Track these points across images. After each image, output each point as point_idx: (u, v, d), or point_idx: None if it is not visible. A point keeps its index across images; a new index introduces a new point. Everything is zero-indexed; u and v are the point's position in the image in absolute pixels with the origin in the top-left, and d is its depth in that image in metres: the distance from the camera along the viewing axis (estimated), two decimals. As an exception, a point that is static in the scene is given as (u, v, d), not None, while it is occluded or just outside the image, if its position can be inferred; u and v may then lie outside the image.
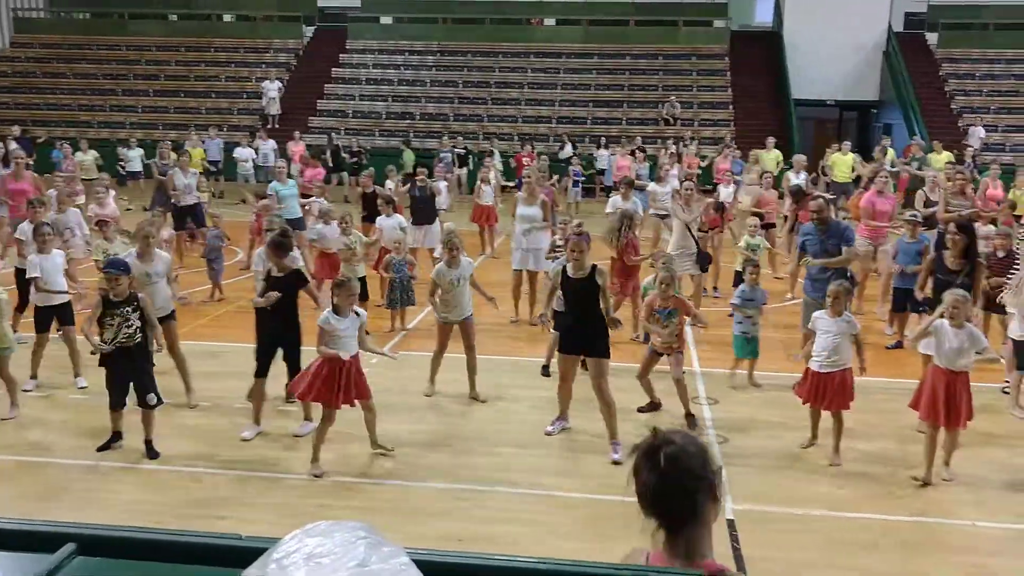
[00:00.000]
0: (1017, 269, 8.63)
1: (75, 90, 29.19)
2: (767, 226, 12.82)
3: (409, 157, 21.89)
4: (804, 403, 7.17)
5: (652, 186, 14.43)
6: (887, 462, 7.10)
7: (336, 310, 6.62)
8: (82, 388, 8.39)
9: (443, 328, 8.28)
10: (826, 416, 7.11)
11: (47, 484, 6.63)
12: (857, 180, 17.52)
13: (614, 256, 10.14)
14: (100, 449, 6.98)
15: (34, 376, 8.46)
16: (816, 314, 7.17)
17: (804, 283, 8.78)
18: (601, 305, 7.08)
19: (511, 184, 19.64)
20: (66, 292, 8.46)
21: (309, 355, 7.63)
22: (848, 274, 8.71)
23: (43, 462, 6.96)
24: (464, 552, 1.44)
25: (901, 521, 6.19)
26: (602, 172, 22.61)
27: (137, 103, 28.71)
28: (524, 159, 19.84)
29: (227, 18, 31.99)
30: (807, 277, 8.68)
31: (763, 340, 9.10)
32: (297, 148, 20.93)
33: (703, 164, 20.39)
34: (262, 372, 7.38)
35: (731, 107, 27.02)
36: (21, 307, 9.44)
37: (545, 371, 8.97)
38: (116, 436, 7.06)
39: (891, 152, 19.37)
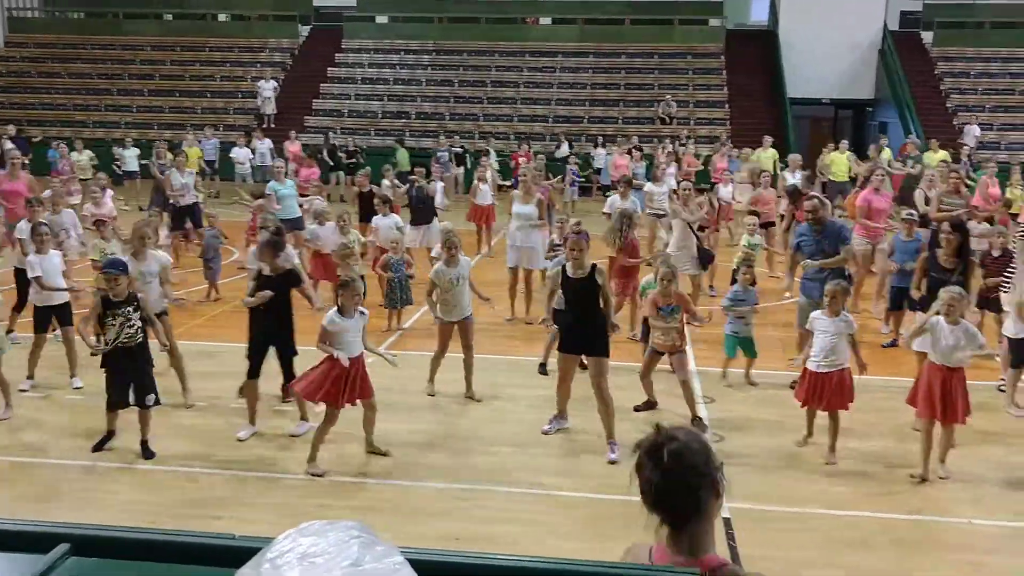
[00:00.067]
0: (1013, 268, 8.64)
1: (70, 90, 29.12)
2: (765, 225, 12.83)
3: (403, 156, 21.87)
4: (803, 406, 7.16)
5: (649, 186, 14.43)
6: (884, 460, 7.10)
7: (341, 310, 6.62)
8: (78, 388, 8.38)
9: (444, 328, 8.27)
10: (823, 414, 7.11)
11: (44, 485, 6.61)
12: (854, 179, 17.55)
13: (613, 256, 10.14)
14: (95, 449, 6.97)
15: (31, 376, 8.44)
16: (814, 314, 7.16)
17: (800, 283, 8.78)
18: (601, 305, 7.08)
19: (507, 183, 19.64)
20: (67, 290, 8.45)
21: (307, 355, 7.62)
22: (846, 273, 8.71)
23: (39, 463, 6.95)
24: (459, 551, 1.43)
25: (898, 519, 6.20)
26: (599, 171, 22.61)
27: (132, 103, 28.65)
28: (521, 158, 19.82)
29: (222, 17, 31.93)
30: (803, 277, 8.68)
31: (761, 339, 9.10)
32: (293, 148, 20.91)
33: (702, 165, 20.40)
34: (254, 373, 7.36)
35: (727, 106, 27.03)
36: (19, 307, 9.44)
37: (543, 369, 8.97)
38: (110, 435, 7.04)
39: (887, 152, 19.39)
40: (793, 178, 14.79)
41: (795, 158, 15.89)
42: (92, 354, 7.47)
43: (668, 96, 26.62)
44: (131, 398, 6.87)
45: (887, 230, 11.45)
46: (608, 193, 16.27)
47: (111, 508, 6.11)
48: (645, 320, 8.39)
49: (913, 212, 10.38)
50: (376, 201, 11.97)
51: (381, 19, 30.84)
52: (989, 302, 9.16)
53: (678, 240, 10.85)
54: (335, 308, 6.69)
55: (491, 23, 30.12)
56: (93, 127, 26.96)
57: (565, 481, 6.70)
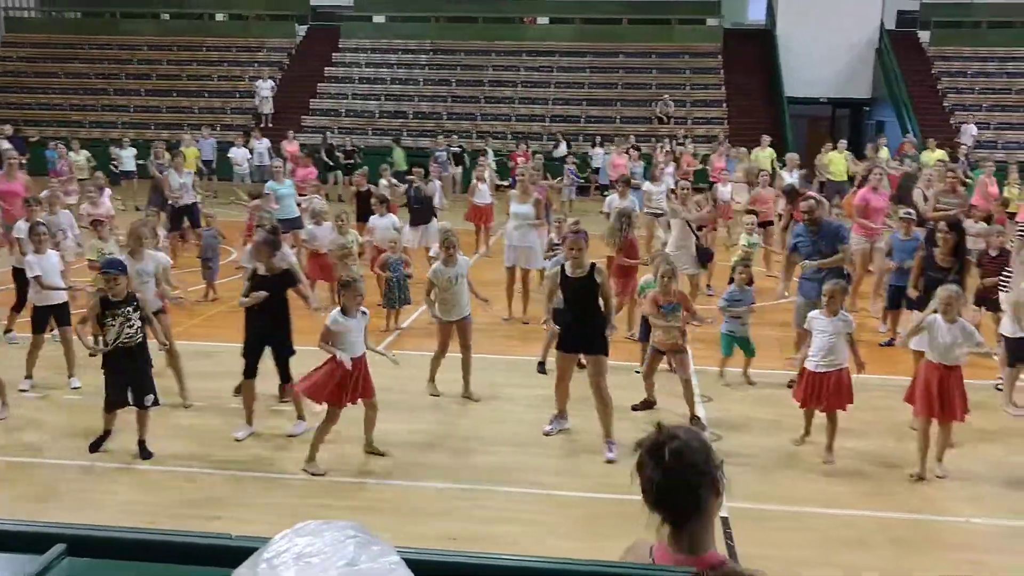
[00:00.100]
0: (1012, 267, 8.65)
1: (67, 90, 29.09)
2: (763, 224, 12.83)
3: (399, 155, 21.86)
4: (801, 406, 7.16)
5: (647, 185, 14.44)
6: (881, 460, 7.11)
7: (344, 310, 6.62)
8: (76, 388, 8.37)
9: (444, 329, 8.26)
10: (820, 413, 7.11)
11: (42, 485, 6.61)
12: (852, 178, 17.56)
13: (611, 256, 10.14)
14: (92, 449, 6.95)
15: (29, 376, 8.43)
16: (812, 314, 7.16)
17: (798, 283, 8.79)
18: (601, 304, 7.08)
19: (505, 183, 19.64)
20: (65, 289, 8.45)
21: (303, 355, 7.62)
22: (844, 273, 8.71)
23: (38, 463, 6.94)
24: (456, 551, 1.43)
25: (896, 518, 6.20)
26: (597, 171, 22.62)
27: (129, 102, 28.62)
28: (519, 158, 19.82)
29: (219, 17, 31.90)
30: (801, 277, 8.69)
31: (759, 338, 9.10)
32: (291, 147, 20.89)
33: (700, 164, 20.41)
34: (251, 373, 7.35)
35: (724, 105, 27.04)
36: (18, 307, 9.43)
37: (541, 368, 8.97)
38: (106, 435, 7.03)
39: (885, 151, 19.41)
40: (791, 177, 14.79)
41: (792, 157, 15.90)
42: (91, 355, 7.46)
43: (666, 96, 26.63)
44: (129, 398, 6.86)
45: (884, 229, 11.46)
46: (606, 193, 16.27)
47: (109, 509, 6.10)
48: (644, 320, 8.39)
49: (911, 211, 10.39)
50: (373, 201, 11.95)
51: (378, 19, 30.83)
52: (988, 301, 9.17)
53: (677, 239, 10.85)
54: (338, 308, 6.69)
55: (488, 23, 30.11)
56: (90, 127, 26.93)
57: (565, 481, 6.70)
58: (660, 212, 13.40)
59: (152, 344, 7.24)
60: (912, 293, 8.65)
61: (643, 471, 2.18)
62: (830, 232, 8.60)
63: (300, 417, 7.47)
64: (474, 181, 15.18)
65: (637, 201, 12.79)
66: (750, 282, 8.99)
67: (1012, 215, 13.38)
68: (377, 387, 6.95)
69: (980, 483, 6.74)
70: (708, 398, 8.37)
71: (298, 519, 1.27)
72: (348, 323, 6.59)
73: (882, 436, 7.54)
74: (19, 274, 9.11)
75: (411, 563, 1.20)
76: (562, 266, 7.16)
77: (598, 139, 23.69)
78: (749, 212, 12.57)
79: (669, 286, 7.58)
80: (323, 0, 31.04)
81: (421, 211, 12.89)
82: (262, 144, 22.38)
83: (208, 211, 13.56)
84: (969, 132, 23.51)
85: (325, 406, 6.78)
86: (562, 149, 22.97)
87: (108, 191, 13.18)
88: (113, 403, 6.86)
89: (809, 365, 6.98)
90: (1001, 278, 8.79)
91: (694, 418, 7.54)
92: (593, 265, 7.07)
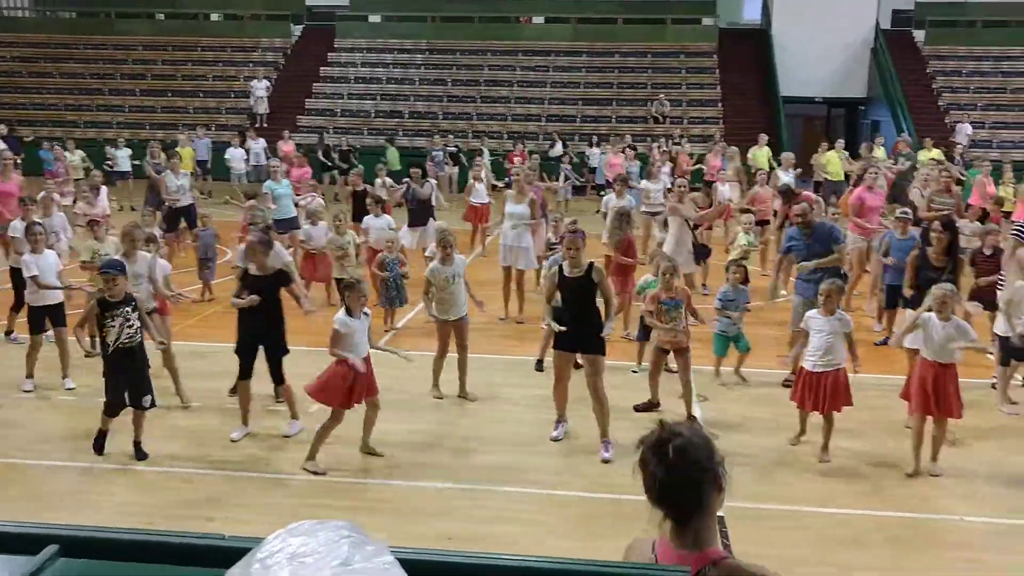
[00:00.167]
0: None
1: (61, 89, 29.03)
2: (759, 223, 12.84)
3: (393, 155, 21.85)
4: (798, 407, 7.16)
5: (644, 183, 14.47)
6: (877, 459, 7.12)
7: (348, 311, 6.62)
8: (70, 389, 8.35)
9: (442, 329, 8.25)
10: (816, 413, 7.11)
11: (38, 487, 6.60)
12: (848, 177, 17.59)
13: (610, 255, 10.13)
14: (98, 451, 6.86)
15: (31, 376, 8.43)
16: (809, 313, 7.16)
17: (795, 283, 8.79)
18: (599, 303, 7.08)
19: (500, 184, 19.63)
20: (62, 288, 8.43)
21: (297, 355, 7.61)
22: (840, 272, 8.71)
23: (34, 464, 6.92)
24: (452, 551, 1.43)
25: (891, 517, 6.21)
26: (593, 171, 22.63)
27: (124, 103, 28.57)
28: (516, 158, 19.83)
29: (214, 17, 31.86)
30: (798, 278, 8.69)
31: (755, 337, 9.11)
32: (287, 147, 20.87)
33: (697, 164, 20.42)
34: (246, 374, 7.34)
35: (720, 105, 27.07)
36: (17, 307, 9.40)
37: (539, 366, 8.97)
38: (103, 434, 7.00)
39: (881, 151, 19.44)
40: (787, 177, 14.81)
41: (788, 156, 15.92)
42: (86, 355, 7.43)
43: (661, 95, 26.65)
44: (126, 398, 6.84)
45: (880, 228, 11.46)
46: (602, 192, 16.28)
47: (106, 510, 6.09)
48: (643, 319, 8.38)
49: (908, 211, 10.40)
50: (368, 201, 11.94)
51: (374, 18, 30.81)
52: (984, 300, 9.17)
53: (675, 237, 10.85)
54: (343, 310, 6.68)
55: (484, 22, 30.11)
56: (85, 127, 26.88)
57: (563, 481, 6.71)
58: (657, 211, 13.41)
59: (148, 344, 7.22)
60: (906, 292, 8.66)
61: (646, 468, 2.21)
62: (823, 233, 8.61)
63: (294, 417, 7.46)
64: (471, 181, 15.18)
65: (634, 200, 12.79)
66: (745, 281, 8.98)
67: (1007, 214, 13.40)
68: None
69: (976, 482, 6.75)
70: (704, 398, 8.37)
71: (296, 519, 1.26)
72: (354, 324, 6.61)
73: (878, 435, 7.55)
74: (16, 274, 9.09)
75: (406, 563, 1.20)
76: (560, 266, 7.16)
77: (594, 139, 23.71)
78: (746, 211, 12.58)
79: (671, 282, 7.57)
80: (318, 0, 31.02)
81: (419, 212, 12.88)
82: (258, 144, 22.35)
83: (204, 211, 13.54)
84: (964, 131, 23.55)
85: (319, 406, 6.77)
86: (558, 148, 22.97)
87: (105, 189, 13.16)
88: (115, 406, 6.82)
89: (806, 365, 6.98)
90: (1000, 276, 8.80)
91: (690, 418, 7.54)
92: (591, 264, 7.07)
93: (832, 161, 18.75)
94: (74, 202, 13.47)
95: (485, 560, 1.40)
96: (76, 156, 19.12)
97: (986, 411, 8.03)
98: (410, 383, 8.32)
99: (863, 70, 28.15)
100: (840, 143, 19.53)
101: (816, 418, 7.13)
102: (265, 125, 26.01)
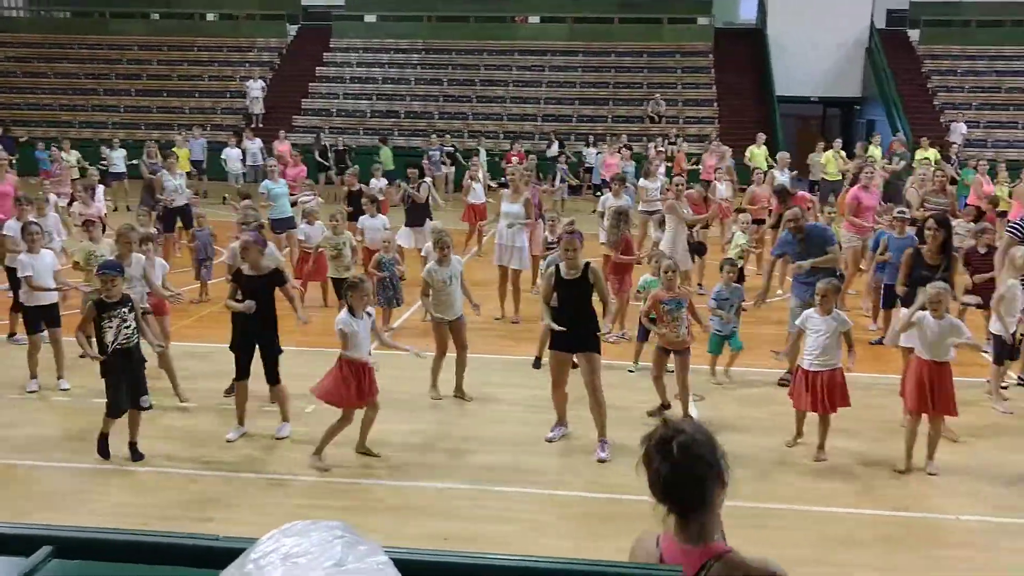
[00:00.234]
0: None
1: (56, 90, 28.98)
2: (756, 221, 12.85)
3: (387, 155, 21.82)
4: (796, 407, 7.16)
5: (642, 182, 14.49)
6: (873, 458, 7.12)
7: (352, 311, 6.63)
8: (64, 390, 8.33)
9: (440, 330, 8.23)
10: (811, 412, 7.12)
11: (34, 487, 6.58)
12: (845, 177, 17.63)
13: (608, 255, 10.13)
14: (104, 455, 6.83)
15: (34, 376, 8.41)
16: (806, 313, 7.16)
17: (792, 284, 8.79)
18: (594, 303, 7.08)
19: (496, 184, 19.63)
20: (56, 289, 8.41)
21: (291, 355, 7.60)
22: (837, 272, 8.72)
23: (30, 465, 6.90)
24: (444, 551, 1.43)
25: (887, 516, 6.22)
26: (590, 170, 22.63)
27: (119, 103, 28.52)
28: (513, 158, 19.82)
29: (210, 17, 31.83)
30: (795, 279, 8.70)
31: (752, 336, 9.11)
32: (283, 147, 20.85)
33: (693, 164, 20.44)
34: (243, 374, 7.32)
35: (715, 104, 27.10)
36: (16, 307, 9.38)
37: (537, 364, 8.96)
38: (105, 437, 6.98)
39: (877, 150, 19.47)
40: (782, 176, 14.82)
41: (784, 156, 15.93)
42: (80, 356, 7.41)
43: (657, 94, 26.67)
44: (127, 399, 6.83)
45: (876, 227, 11.48)
46: (599, 192, 16.29)
47: (102, 511, 6.08)
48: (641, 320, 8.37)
49: (905, 210, 10.41)
50: (364, 201, 11.93)
51: (370, 18, 30.80)
52: (981, 298, 9.17)
53: (672, 236, 10.86)
54: (345, 310, 6.68)
55: (480, 22, 30.11)
56: (80, 127, 26.83)
57: (563, 480, 6.71)
58: (654, 210, 13.42)
59: (145, 345, 7.21)
60: (900, 290, 8.67)
61: (650, 464, 2.23)
62: (816, 236, 8.61)
63: (285, 419, 7.44)
64: (468, 181, 15.17)
65: (630, 200, 12.79)
66: (739, 279, 8.97)
67: (1002, 214, 13.42)
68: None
69: (971, 480, 6.76)
70: (700, 397, 8.37)
71: (294, 519, 1.26)
72: (357, 324, 6.61)
73: (874, 434, 7.56)
74: (13, 273, 9.07)
75: (400, 563, 1.20)
76: (556, 266, 7.16)
77: (591, 139, 23.71)
78: (741, 211, 12.59)
79: (673, 281, 7.57)
80: (314, 0, 30.99)
81: (416, 213, 12.86)
82: (255, 144, 22.33)
83: (199, 211, 13.52)
84: (959, 130, 23.61)
85: (315, 408, 6.76)
86: (555, 148, 22.98)
87: (101, 189, 13.13)
88: (118, 408, 6.80)
89: (803, 363, 7.00)
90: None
91: (686, 417, 7.54)
92: (587, 265, 7.07)
93: (829, 162, 18.79)
94: (70, 203, 13.46)
95: (480, 560, 1.40)
96: (72, 157, 19.08)
97: (981, 410, 8.05)
98: (408, 383, 8.32)
99: (858, 70, 28.21)
100: (838, 143, 19.57)
101: (812, 417, 7.13)
102: (261, 125, 25.97)
